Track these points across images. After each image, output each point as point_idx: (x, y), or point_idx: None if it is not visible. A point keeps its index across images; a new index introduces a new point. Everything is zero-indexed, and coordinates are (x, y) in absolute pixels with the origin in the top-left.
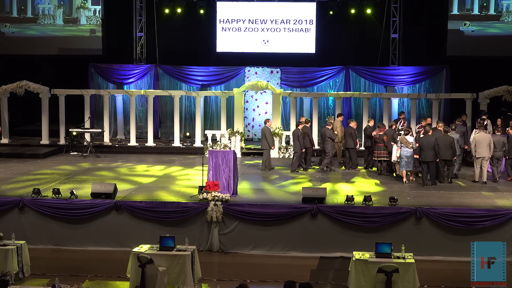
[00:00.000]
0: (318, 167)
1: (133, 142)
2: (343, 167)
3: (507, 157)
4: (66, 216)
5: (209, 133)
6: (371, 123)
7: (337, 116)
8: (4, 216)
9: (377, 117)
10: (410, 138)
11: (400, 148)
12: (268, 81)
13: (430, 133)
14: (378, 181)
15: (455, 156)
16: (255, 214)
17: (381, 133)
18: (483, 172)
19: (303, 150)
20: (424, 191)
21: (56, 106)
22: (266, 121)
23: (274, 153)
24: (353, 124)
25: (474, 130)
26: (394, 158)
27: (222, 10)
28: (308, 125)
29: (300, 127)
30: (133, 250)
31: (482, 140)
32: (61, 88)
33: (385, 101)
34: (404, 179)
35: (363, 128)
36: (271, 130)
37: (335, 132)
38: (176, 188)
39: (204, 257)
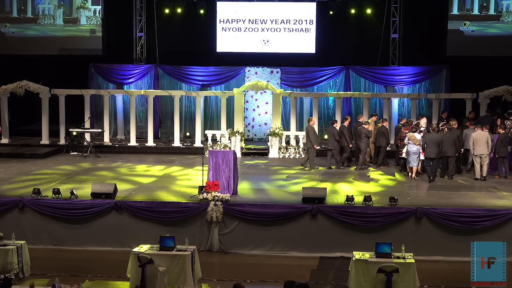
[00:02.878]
0: (354, 167)
1: (133, 142)
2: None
3: (497, 156)
4: (66, 216)
5: (209, 133)
6: (385, 123)
7: (371, 116)
8: (4, 216)
9: (377, 117)
10: (417, 135)
11: (408, 144)
12: (268, 81)
13: (435, 131)
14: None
15: (457, 152)
16: (255, 214)
17: (406, 131)
18: (483, 168)
19: (350, 146)
20: (424, 191)
21: (56, 106)
22: (310, 120)
23: (274, 153)
24: (385, 123)
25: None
26: (404, 154)
27: (222, 10)
28: (346, 124)
29: (335, 125)
30: (133, 250)
31: (480, 138)
32: (61, 88)
33: (385, 101)
34: (411, 174)
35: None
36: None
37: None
38: (176, 188)
39: (204, 257)
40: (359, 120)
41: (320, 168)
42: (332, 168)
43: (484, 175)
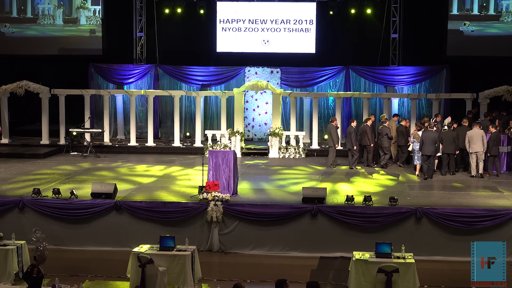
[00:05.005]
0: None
1: (133, 142)
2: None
3: (488, 154)
4: (66, 216)
5: (209, 133)
6: (403, 123)
7: (393, 116)
8: (4, 216)
9: (377, 117)
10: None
11: (413, 143)
12: (268, 81)
13: (434, 129)
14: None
15: (458, 150)
16: (255, 214)
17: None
18: (479, 165)
19: (355, 147)
20: (424, 191)
21: (56, 106)
22: (332, 119)
23: (274, 153)
24: (404, 123)
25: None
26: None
27: (222, 10)
28: (369, 124)
29: (353, 124)
30: (133, 250)
31: (475, 136)
32: (61, 88)
33: (385, 101)
34: (417, 172)
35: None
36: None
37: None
38: (176, 188)
39: (204, 257)
40: (382, 120)
41: (342, 167)
42: (357, 168)
43: (481, 172)
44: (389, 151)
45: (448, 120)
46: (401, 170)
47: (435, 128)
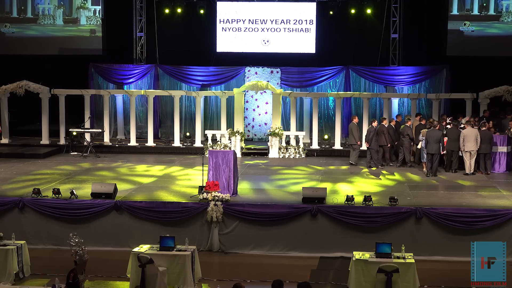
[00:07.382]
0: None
1: (133, 142)
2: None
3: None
4: (66, 216)
5: (209, 133)
6: (423, 122)
7: (416, 116)
8: (4, 216)
9: (377, 117)
10: None
11: (421, 141)
12: (268, 81)
13: (437, 127)
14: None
15: (461, 148)
16: (255, 214)
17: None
18: (471, 164)
19: (390, 146)
20: (424, 191)
21: (56, 106)
22: (353, 117)
23: (274, 153)
24: (424, 122)
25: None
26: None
27: (222, 10)
28: (385, 124)
29: (374, 124)
30: (133, 250)
31: (469, 135)
32: (61, 88)
33: (385, 101)
34: (424, 169)
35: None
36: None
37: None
38: (176, 188)
39: (204, 257)
40: (405, 120)
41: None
42: (373, 168)
43: (472, 171)
44: (407, 151)
45: (465, 120)
46: (411, 169)
47: (448, 127)
